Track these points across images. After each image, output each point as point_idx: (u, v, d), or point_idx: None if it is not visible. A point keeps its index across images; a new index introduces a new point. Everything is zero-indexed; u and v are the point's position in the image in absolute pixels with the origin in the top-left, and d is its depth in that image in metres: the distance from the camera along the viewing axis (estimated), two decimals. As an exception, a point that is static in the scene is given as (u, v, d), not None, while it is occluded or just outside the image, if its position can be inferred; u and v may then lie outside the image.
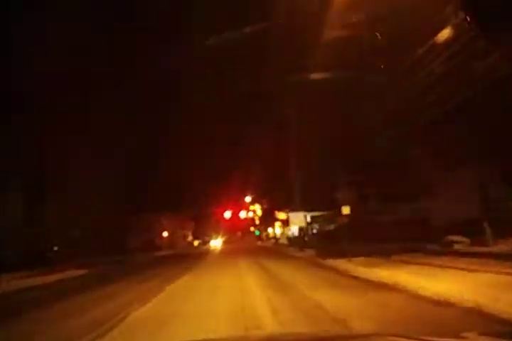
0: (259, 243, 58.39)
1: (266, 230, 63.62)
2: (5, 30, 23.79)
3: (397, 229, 16.85)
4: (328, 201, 29.57)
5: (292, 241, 40.05)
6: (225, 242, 71.56)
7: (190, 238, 71.24)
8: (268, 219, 52.59)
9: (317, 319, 5.85)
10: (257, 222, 64.21)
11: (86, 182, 32.19)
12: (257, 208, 50.13)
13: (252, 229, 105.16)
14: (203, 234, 73.69)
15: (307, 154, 30.71)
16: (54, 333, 6.54)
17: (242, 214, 61.01)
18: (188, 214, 66.86)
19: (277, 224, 55.89)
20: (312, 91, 18.56)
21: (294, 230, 42.71)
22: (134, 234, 43.78)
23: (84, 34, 26.76)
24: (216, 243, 70.12)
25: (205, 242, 78.57)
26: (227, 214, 60.93)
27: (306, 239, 30.84)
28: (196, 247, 61.88)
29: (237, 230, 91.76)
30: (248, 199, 51.21)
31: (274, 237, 59.10)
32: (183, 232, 65.14)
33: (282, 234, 54.88)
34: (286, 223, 45.29)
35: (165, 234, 57.47)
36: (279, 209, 53.21)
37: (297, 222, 34.57)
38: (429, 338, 2.18)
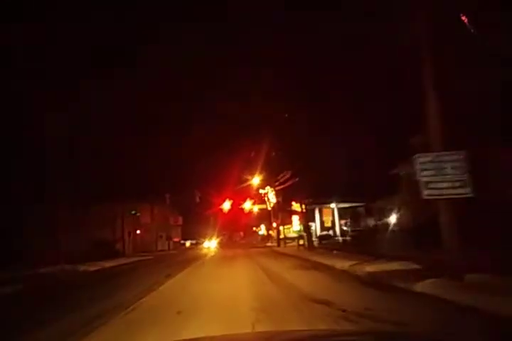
0: (268, 245, 41.98)
1: (273, 227, 47.42)
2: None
3: None
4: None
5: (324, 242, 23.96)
6: (222, 245, 55.29)
7: (177, 238, 54.50)
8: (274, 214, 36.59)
9: None
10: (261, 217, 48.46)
11: None
12: (271, 193, 33.44)
13: (258, 228, 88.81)
14: (193, 232, 57.06)
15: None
16: None
17: (247, 205, 44.44)
18: (173, 206, 50.31)
19: (295, 218, 39.81)
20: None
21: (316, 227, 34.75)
22: (73, 233, 27.16)
23: None
24: (211, 245, 54.00)
25: (198, 243, 62.24)
26: (226, 206, 44.38)
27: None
28: (184, 251, 45.06)
29: (238, 228, 75.33)
30: (256, 180, 34.55)
31: (284, 237, 43.77)
32: (167, 231, 48.32)
33: (302, 232, 38.43)
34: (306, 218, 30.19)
35: (138, 232, 40.77)
36: (296, 200, 37.45)
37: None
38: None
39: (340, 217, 47.85)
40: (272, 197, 32.86)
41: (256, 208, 45.00)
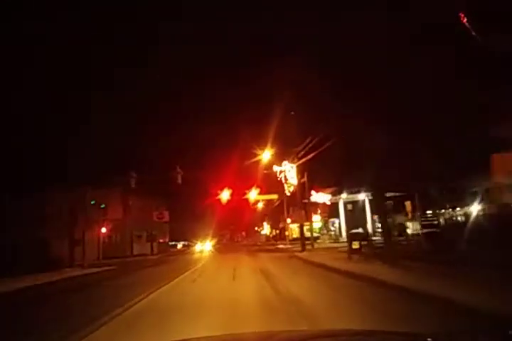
0: (280, 247, 31.21)
1: (287, 223, 37.00)
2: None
3: None
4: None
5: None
6: (219, 248, 44.82)
7: (163, 239, 43.45)
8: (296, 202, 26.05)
9: None
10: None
11: None
12: (290, 171, 22.29)
13: (261, 227, 77.60)
14: (185, 232, 46.08)
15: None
16: None
17: (253, 195, 33.50)
18: (156, 195, 39.53)
19: (318, 214, 29.51)
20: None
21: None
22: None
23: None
24: (205, 247, 43.57)
25: (190, 246, 51.68)
26: (225, 196, 33.48)
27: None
28: (168, 256, 34.48)
29: (240, 227, 64.94)
30: (267, 155, 23.58)
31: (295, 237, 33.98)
32: (149, 229, 37.27)
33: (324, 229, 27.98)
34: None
35: (103, 230, 29.89)
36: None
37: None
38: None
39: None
40: (291, 177, 21.96)
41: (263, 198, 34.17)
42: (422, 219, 22.11)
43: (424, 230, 19.66)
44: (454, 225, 18.85)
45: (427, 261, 10.85)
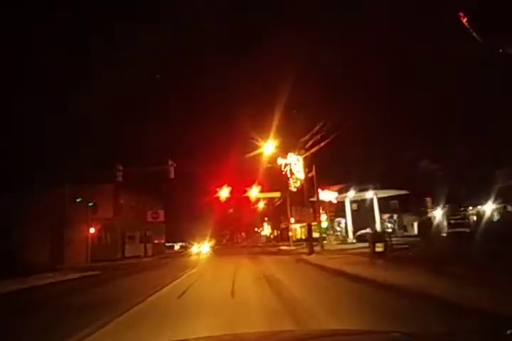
0: (284, 248, 28.84)
1: (290, 223, 34.78)
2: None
3: None
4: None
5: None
6: (218, 249, 42.50)
7: (158, 239, 40.98)
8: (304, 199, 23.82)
9: None
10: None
11: None
12: (296, 164, 19.76)
13: (261, 228, 75.07)
14: (181, 232, 43.66)
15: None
16: None
17: (254, 192, 31.10)
18: (150, 193, 37.28)
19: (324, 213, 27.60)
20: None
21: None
22: None
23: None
24: (203, 249, 41.37)
25: (187, 247, 49.49)
26: (224, 193, 31.13)
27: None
28: (162, 259, 32.27)
29: (240, 227, 63.21)
30: (270, 147, 21.11)
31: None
32: (142, 229, 34.85)
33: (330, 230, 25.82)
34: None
35: (92, 230, 27.53)
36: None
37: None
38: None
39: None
40: (298, 171, 19.45)
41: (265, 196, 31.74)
42: (451, 217, 19.59)
43: (451, 230, 17.16)
44: (487, 224, 16.37)
45: (474, 267, 8.43)
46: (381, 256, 11.49)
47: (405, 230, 36.94)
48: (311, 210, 19.39)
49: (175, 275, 13.27)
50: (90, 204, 26.39)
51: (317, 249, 20.06)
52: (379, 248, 11.61)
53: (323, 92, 19.75)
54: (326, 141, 17.17)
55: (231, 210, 50.71)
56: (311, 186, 19.70)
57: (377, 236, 12.94)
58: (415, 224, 32.87)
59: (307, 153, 18.27)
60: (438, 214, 41.41)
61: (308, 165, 19.31)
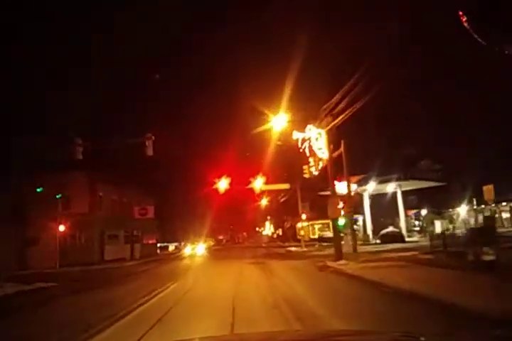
0: (293, 249, 24.02)
1: (302, 219, 30.03)
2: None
3: None
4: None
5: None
6: (217, 250, 37.87)
7: (149, 240, 35.96)
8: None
9: None
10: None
11: None
12: (318, 140, 14.69)
13: (262, 228, 70.27)
14: (174, 230, 38.71)
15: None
16: None
17: (258, 184, 26.16)
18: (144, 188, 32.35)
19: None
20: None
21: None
22: None
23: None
24: (198, 250, 36.73)
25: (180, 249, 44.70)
26: (222, 185, 26.25)
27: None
28: (149, 264, 27.19)
29: (241, 227, 59.11)
30: (280, 122, 15.90)
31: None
32: (128, 227, 29.81)
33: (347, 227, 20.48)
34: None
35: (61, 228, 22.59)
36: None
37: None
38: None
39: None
40: (319, 148, 14.37)
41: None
42: None
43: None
44: None
45: None
46: (490, 267, 6.50)
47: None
48: (338, 200, 14.35)
49: (146, 294, 8.35)
50: (58, 196, 21.46)
51: (346, 251, 15.00)
52: (489, 255, 6.65)
53: (351, 44, 14.86)
54: (360, 102, 12.16)
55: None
56: (337, 169, 14.65)
57: (482, 234, 7.76)
58: (436, 222, 28.10)
59: (334, 122, 13.24)
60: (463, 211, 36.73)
61: (333, 141, 14.32)
